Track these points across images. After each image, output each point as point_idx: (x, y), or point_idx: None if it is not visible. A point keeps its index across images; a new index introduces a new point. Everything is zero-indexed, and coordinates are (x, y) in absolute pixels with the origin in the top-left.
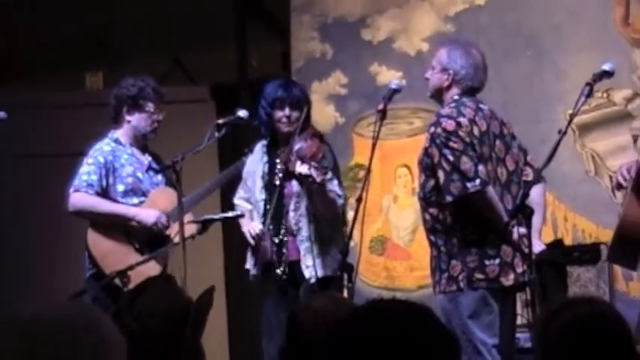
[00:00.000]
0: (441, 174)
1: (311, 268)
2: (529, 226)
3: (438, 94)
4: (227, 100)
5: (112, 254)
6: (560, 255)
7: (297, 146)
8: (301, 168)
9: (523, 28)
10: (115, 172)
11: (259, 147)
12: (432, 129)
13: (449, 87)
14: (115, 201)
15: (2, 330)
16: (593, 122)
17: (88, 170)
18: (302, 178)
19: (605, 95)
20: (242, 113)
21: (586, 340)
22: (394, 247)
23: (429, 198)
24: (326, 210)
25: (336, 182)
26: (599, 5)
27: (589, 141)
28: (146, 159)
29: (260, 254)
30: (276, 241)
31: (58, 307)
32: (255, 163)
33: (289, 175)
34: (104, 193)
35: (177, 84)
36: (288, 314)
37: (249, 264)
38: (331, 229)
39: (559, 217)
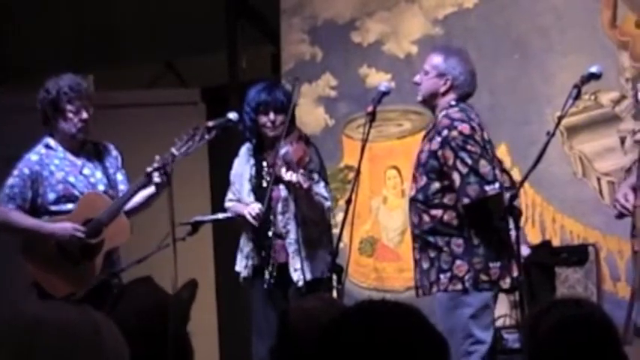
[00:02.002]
0: (456, 176)
1: (299, 271)
2: (517, 228)
3: (432, 99)
4: (218, 102)
5: (54, 276)
6: (548, 256)
7: (283, 150)
8: (288, 175)
9: (511, 31)
10: (44, 180)
11: (245, 150)
12: (446, 132)
13: (445, 92)
14: (47, 210)
15: (3, 329)
16: (581, 124)
17: (11, 183)
18: (289, 185)
19: (592, 97)
20: (232, 115)
21: (574, 340)
22: (383, 248)
23: (432, 200)
24: (313, 213)
25: (322, 184)
26: (586, 8)
27: (577, 143)
28: (80, 160)
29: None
30: (266, 243)
31: (60, 310)
32: (241, 166)
33: (276, 179)
34: (31, 203)
35: (169, 87)
36: (279, 314)
37: (239, 266)
38: (319, 231)
39: (547, 218)
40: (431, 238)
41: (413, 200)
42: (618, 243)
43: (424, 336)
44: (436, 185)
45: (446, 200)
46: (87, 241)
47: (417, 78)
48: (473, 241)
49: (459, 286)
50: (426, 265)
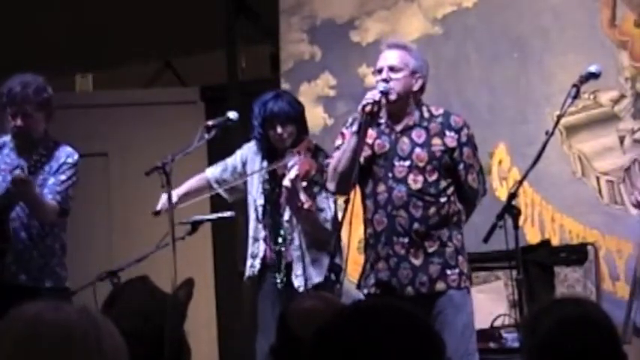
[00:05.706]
0: (475, 175)
1: (300, 277)
2: (516, 227)
3: (406, 98)
4: (217, 101)
5: None
6: (548, 255)
7: (290, 162)
8: (288, 178)
9: (510, 30)
10: None
11: (256, 144)
12: (466, 130)
13: (420, 90)
14: None
15: (2, 329)
16: (580, 123)
17: None
18: (289, 193)
19: (591, 97)
20: (232, 115)
21: (573, 340)
22: None
23: (441, 195)
24: (312, 230)
25: (324, 195)
26: (585, 7)
27: (576, 142)
28: (21, 161)
29: None
30: (276, 248)
31: (60, 310)
32: (252, 159)
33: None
34: None
35: (168, 85)
36: (279, 314)
37: (247, 264)
38: (322, 238)
39: (546, 218)
40: (434, 232)
41: (420, 192)
42: (617, 242)
43: (421, 335)
44: (443, 182)
45: (449, 194)
46: None
47: (383, 75)
48: (464, 238)
49: (468, 283)
50: (418, 260)
